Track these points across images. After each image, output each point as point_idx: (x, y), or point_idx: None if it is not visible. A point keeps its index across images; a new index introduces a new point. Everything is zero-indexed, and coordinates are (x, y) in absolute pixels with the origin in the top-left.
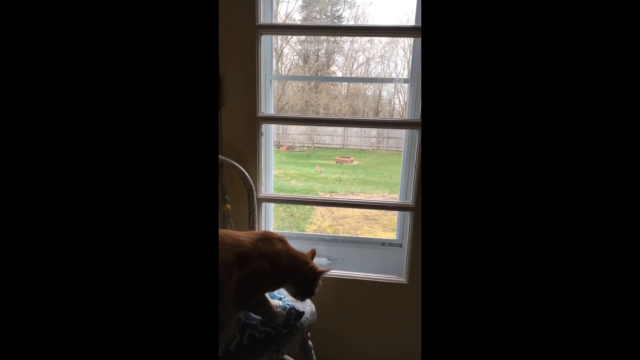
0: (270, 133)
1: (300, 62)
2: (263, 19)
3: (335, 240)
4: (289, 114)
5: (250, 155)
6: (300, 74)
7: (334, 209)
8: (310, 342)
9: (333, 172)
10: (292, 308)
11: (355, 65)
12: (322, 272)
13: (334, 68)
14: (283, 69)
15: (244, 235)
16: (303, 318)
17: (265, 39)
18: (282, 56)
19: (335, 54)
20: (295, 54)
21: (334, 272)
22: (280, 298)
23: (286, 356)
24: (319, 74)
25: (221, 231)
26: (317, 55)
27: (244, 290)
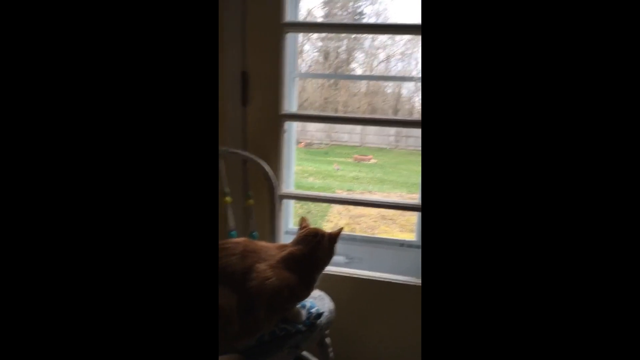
0: (293, 130)
1: (321, 59)
2: (289, 17)
3: (353, 239)
4: (311, 112)
5: (273, 152)
6: (320, 71)
7: (351, 207)
8: (328, 340)
9: (350, 170)
10: (312, 307)
11: (376, 62)
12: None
13: (354, 65)
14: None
15: (272, 246)
16: (322, 318)
17: (290, 37)
18: (302, 53)
19: (356, 51)
20: (315, 50)
21: (352, 271)
22: None
23: (305, 352)
24: (339, 71)
25: (250, 242)
26: (338, 52)
27: (278, 297)
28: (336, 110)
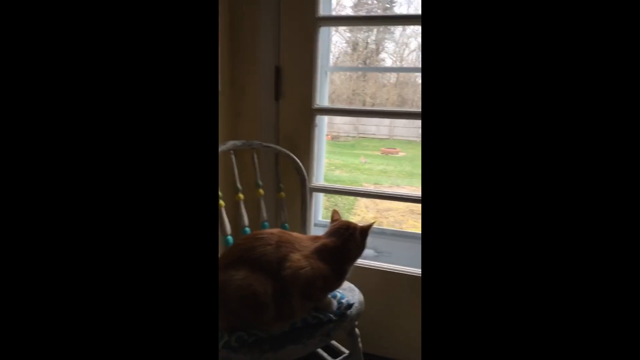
0: (323, 124)
1: (349, 50)
2: (322, 11)
3: (383, 233)
4: (339, 105)
5: (304, 145)
6: (348, 62)
7: (378, 200)
8: (357, 330)
9: (378, 164)
10: (343, 298)
11: (407, 51)
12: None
13: (383, 55)
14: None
15: (305, 238)
16: (352, 308)
17: (323, 31)
18: (330, 44)
19: (386, 41)
20: (344, 41)
21: (381, 265)
22: None
23: (334, 342)
24: (367, 61)
25: (285, 233)
26: (367, 43)
27: (311, 286)
28: (364, 103)
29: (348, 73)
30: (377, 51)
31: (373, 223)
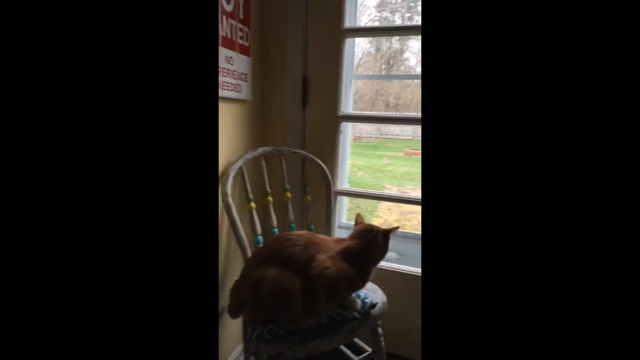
0: (348, 130)
1: (372, 50)
2: (348, 23)
3: (405, 237)
4: (367, 113)
5: (329, 151)
6: (371, 63)
7: (402, 203)
8: (380, 329)
9: (401, 165)
10: (367, 298)
11: None
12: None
13: (407, 54)
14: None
15: (330, 240)
16: (375, 307)
17: (348, 42)
18: (354, 52)
19: (410, 39)
20: (367, 41)
21: (404, 267)
22: None
23: (358, 340)
24: (391, 61)
25: (312, 235)
26: (391, 42)
27: (336, 285)
28: (387, 103)
29: (371, 72)
30: (401, 51)
31: (396, 227)
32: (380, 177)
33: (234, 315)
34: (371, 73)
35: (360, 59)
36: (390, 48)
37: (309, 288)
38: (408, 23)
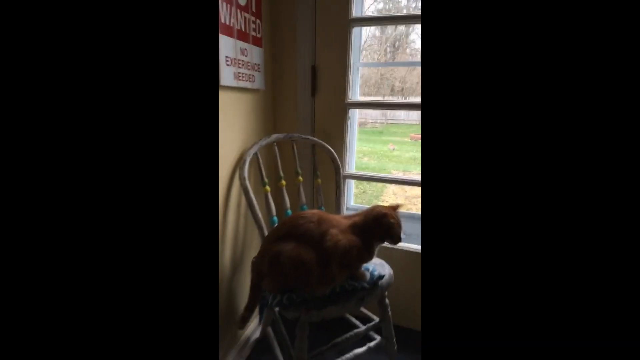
0: (355, 116)
1: (377, 33)
2: (355, 12)
3: (412, 217)
4: (373, 99)
5: (337, 137)
6: (376, 45)
7: (407, 187)
8: (387, 300)
9: (407, 150)
10: (375, 271)
11: None
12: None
13: (413, 36)
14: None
15: (340, 217)
16: (383, 279)
17: (355, 31)
18: (361, 41)
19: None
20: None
21: (409, 246)
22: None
23: (366, 310)
24: (397, 44)
25: (324, 213)
26: (396, 25)
27: (347, 255)
28: (393, 88)
29: (376, 57)
30: (407, 33)
31: (400, 205)
32: (385, 162)
33: (256, 288)
34: (376, 56)
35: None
36: (395, 30)
37: (323, 259)
38: (413, 5)
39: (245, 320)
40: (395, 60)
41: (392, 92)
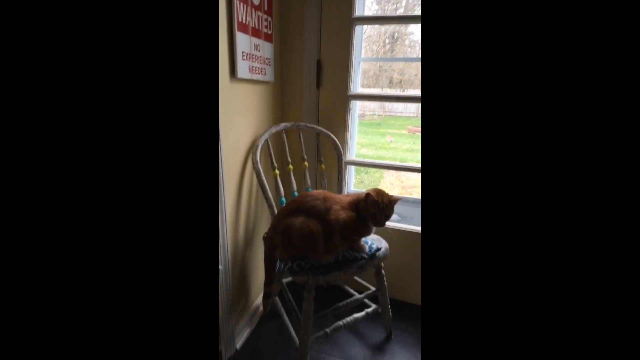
0: (356, 108)
1: (377, 25)
2: (357, 12)
3: (406, 201)
4: (374, 92)
5: (340, 126)
6: (375, 37)
7: (404, 178)
8: (383, 271)
9: (404, 142)
10: (373, 244)
11: None
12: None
13: (412, 28)
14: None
15: (342, 196)
16: (380, 251)
17: (357, 29)
18: (363, 38)
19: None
20: (371, 13)
21: (404, 226)
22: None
23: (365, 282)
24: (396, 35)
25: (328, 192)
26: (396, 12)
27: (347, 228)
28: (391, 80)
29: (375, 48)
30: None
31: (398, 198)
32: (383, 153)
33: (269, 260)
34: (375, 47)
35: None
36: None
37: (328, 231)
38: (412, 1)
39: (268, 296)
40: (394, 53)
41: (391, 83)
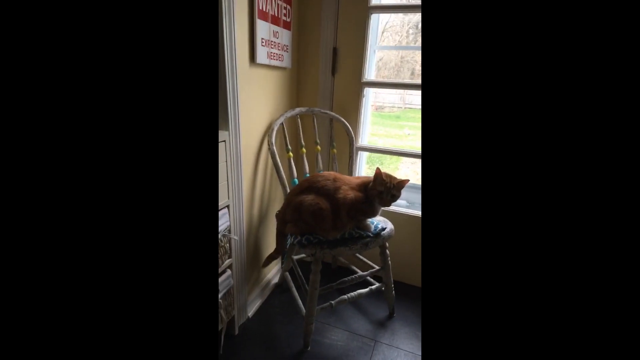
0: (369, 95)
1: (400, 15)
2: (374, 0)
3: (414, 187)
4: (387, 79)
5: (353, 112)
6: (398, 27)
7: (418, 169)
8: (387, 251)
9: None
10: (379, 224)
11: None
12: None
13: None
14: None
15: (352, 178)
16: (385, 231)
17: (373, 17)
18: (379, 26)
19: None
20: (388, 2)
21: (411, 211)
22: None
23: (370, 262)
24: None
25: (338, 174)
26: (410, 1)
27: (353, 207)
28: (413, 71)
29: (397, 38)
30: None
31: (407, 180)
32: (398, 146)
33: (280, 235)
34: (398, 37)
35: (387, 23)
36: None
37: (336, 209)
38: None
39: (270, 258)
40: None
41: (412, 75)
